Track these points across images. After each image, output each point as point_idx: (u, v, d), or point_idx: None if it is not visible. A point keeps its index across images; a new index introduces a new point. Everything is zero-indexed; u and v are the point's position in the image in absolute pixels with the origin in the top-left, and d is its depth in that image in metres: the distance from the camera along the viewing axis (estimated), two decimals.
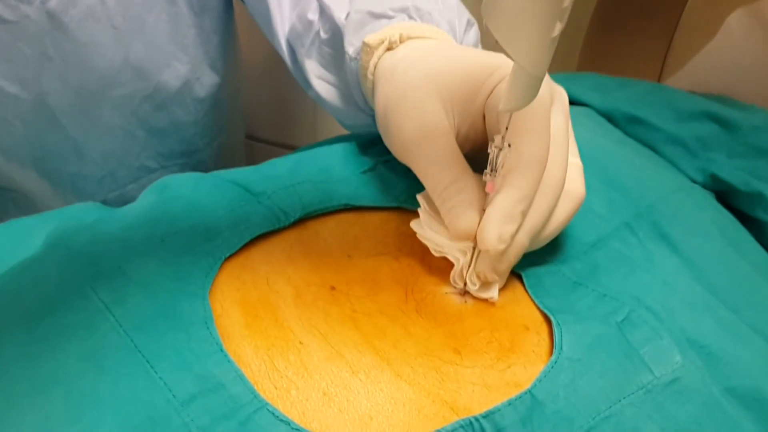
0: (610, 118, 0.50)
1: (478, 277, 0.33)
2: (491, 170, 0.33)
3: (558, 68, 0.71)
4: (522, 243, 0.33)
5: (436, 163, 0.34)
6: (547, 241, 0.35)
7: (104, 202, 0.55)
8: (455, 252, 0.33)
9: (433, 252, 0.34)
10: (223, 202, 0.36)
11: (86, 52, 0.49)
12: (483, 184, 0.33)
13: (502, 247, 0.32)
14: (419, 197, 0.35)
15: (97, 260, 0.33)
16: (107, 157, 0.54)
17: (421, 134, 0.34)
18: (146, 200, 0.39)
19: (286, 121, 0.81)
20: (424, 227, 0.35)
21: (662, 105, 0.50)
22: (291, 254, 0.34)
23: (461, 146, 0.35)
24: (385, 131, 0.37)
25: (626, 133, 0.49)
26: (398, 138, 0.36)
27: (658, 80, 0.68)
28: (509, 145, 0.32)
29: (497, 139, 0.32)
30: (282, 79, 0.76)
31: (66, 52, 0.48)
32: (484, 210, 0.32)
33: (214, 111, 0.58)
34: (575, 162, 0.36)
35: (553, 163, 0.33)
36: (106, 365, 0.29)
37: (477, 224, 0.32)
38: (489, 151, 0.32)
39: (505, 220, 0.32)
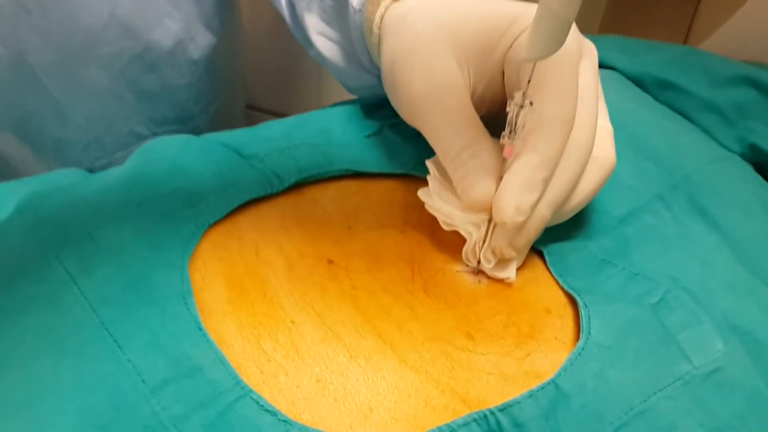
0: (639, 82, 0.46)
1: (494, 253, 0.29)
2: (510, 132, 0.29)
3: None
4: (543, 215, 0.29)
5: (448, 125, 0.30)
6: (572, 213, 0.31)
7: (90, 170, 0.51)
8: (468, 225, 0.30)
9: (443, 225, 0.30)
10: (210, 165, 0.32)
11: (69, 6, 0.45)
12: (500, 149, 0.29)
13: (520, 219, 0.28)
14: (429, 163, 0.32)
15: (65, 226, 0.30)
16: (93, 122, 0.50)
17: (432, 92, 0.30)
18: (128, 164, 0.35)
19: (288, 90, 0.77)
20: (433, 197, 0.31)
21: (696, 69, 0.46)
22: (284, 222, 0.30)
23: (477, 107, 0.31)
24: (391, 89, 0.33)
25: (657, 99, 0.45)
26: (406, 96, 0.32)
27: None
28: (531, 103, 0.28)
29: (517, 96, 0.28)
30: (284, 44, 0.72)
31: (46, 5, 0.44)
32: (501, 178, 0.29)
33: (210, 74, 0.54)
34: (605, 125, 0.32)
35: (581, 124, 0.29)
36: (68, 344, 0.26)
37: (493, 194, 0.28)
38: (508, 110, 0.28)
39: (525, 189, 0.28)
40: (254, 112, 0.78)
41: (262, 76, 0.77)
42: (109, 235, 0.29)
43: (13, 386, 0.25)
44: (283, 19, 0.46)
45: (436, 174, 0.31)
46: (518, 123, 0.28)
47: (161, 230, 0.29)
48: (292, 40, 0.47)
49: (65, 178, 0.35)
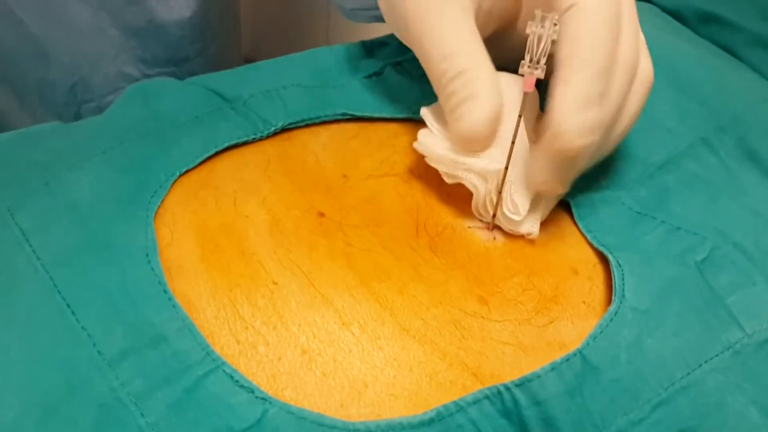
0: (678, 16, 0.41)
1: (540, 193, 0.25)
2: (531, 61, 0.24)
3: None
4: (594, 140, 0.25)
5: (442, 44, 0.25)
6: (619, 140, 0.27)
7: (78, 115, 0.48)
8: (472, 177, 0.25)
9: (444, 177, 0.26)
10: (187, 108, 0.29)
11: None
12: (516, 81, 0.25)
13: (586, 141, 0.24)
14: (424, 111, 0.27)
15: (21, 176, 0.26)
16: (77, 60, 0.47)
17: (427, 2, 0.26)
18: (105, 111, 0.31)
19: (291, 43, 0.72)
20: (430, 146, 0.26)
21: None
22: (268, 170, 0.27)
23: (482, 25, 0.27)
24: (384, 1, 0.29)
25: (699, 34, 0.40)
26: (399, 7, 0.27)
27: None
28: (555, 24, 0.24)
29: (539, 14, 0.24)
30: None
31: None
32: (499, 113, 0.24)
33: (203, 11, 0.50)
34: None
35: (624, 34, 0.25)
36: (17, 310, 0.23)
37: (487, 124, 0.24)
38: (528, 32, 0.24)
39: (584, 105, 0.23)
40: None
41: (261, 24, 0.72)
42: (67, 185, 0.25)
43: None
44: None
45: (434, 123, 0.27)
46: (541, 49, 0.24)
47: (126, 180, 0.25)
48: None
49: (39, 129, 0.32)
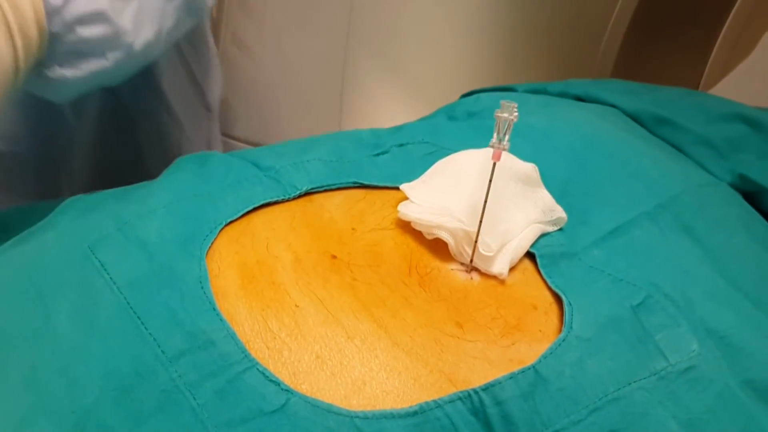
0: (637, 119, 0.49)
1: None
2: (498, 139, 0.31)
3: (591, 76, 0.69)
4: None
5: None
6: None
7: None
8: (442, 233, 0.32)
9: (426, 235, 0.33)
10: (229, 173, 0.36)
11: None
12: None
13: None
14: (404, 186, 0.35)
15: (100, 223, 0.33)
16: None
17: None
18: (163, 174, 0.39)
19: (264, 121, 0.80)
20: (409, 213, 0.33)
21: (692, 107, 0.49)
22: (293, 223, 0.34)
23: None
24: None
25: (653, 134, 0.48)
26: None
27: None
28: (515, 111, 0.31)
29: (504, 103, 0.31)
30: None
31: None
32: None
33: None
34: None
35: None
36: (97, 321, 0.29)
37: None
38: (496, 116, 0.31)
39: None
40: (230, 140, 0.82)
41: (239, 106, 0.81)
42: (137, 230, 0.32)
43: (47, 357, 0.28)
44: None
45: (412, 194, 0.34)
46: (505, 129, 0.31)
47: (183, 227, 0.32)
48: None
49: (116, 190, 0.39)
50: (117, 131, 0.57)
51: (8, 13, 0.31)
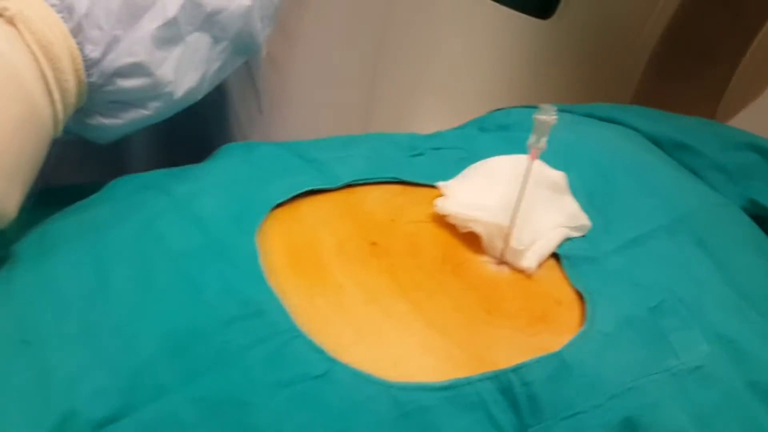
0: (656, 142, 0.51)
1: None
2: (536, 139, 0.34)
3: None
4: None
5: None
6: None
7: None
8: (477, 226, 0.34)
9: (459, 228, 0.35)
10: (276, 162, 0.39)
11: None
12: None
13: None
14: (440, 184, 0.37)
15: (154, 197, 0.35)
16: None
17: None
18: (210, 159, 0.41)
19: None
20: (445, 207, 0.36)
21: (709, 135, 0.51)
22: (336, 212, 0.36)
23: None
24: None
25: (671, 157, 0.50)
26: None
27: None
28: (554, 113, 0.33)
29: (544, 106, 0.33)
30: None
31: None
32: None
33: None
34: None
35: None
36: (154, 286, 0.31)
37: None
38: (535, 117, 0.33)
39: None
40: None
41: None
42: (193, 207, 0.34)
43: (103, 315, 0.30)
44: None
45: (447, 190, 0.37)
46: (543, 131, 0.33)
47: (235, 206, 0.35)
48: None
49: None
50: (183, 123, 0.58)
51: (45, 67, 0.32)
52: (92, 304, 0.31)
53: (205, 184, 0.36)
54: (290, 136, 0.44)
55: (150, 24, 0.35)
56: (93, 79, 0.35)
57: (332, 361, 0.28)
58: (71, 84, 0.33)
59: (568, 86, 0.74)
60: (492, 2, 0.75)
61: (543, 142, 0.33)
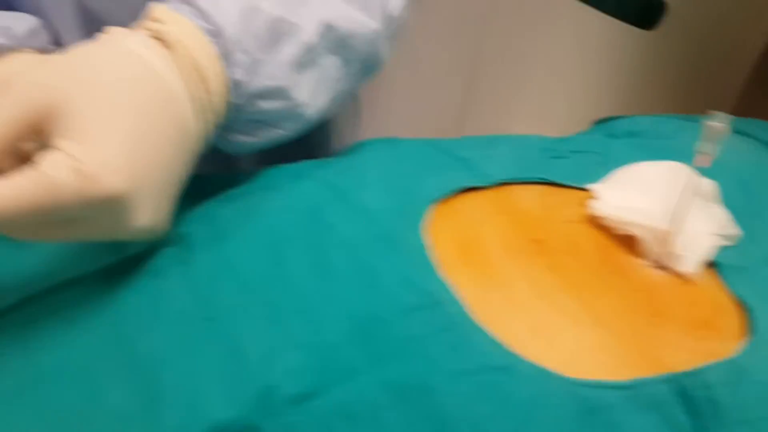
0: None
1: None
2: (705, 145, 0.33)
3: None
4: None
5: None
6: None
7: None
8: (636, 229, 0.35)
9: (618, 231, 0.36)
10: (426, 158, 0.39)
11: None
12: None
13: None
14: (592, 186, 0.38)
15: (315, 188, 0.37)
16: None
17: None
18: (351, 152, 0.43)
19: None
20: (602, 208, 0.36)
21: None
22: (492, 209, 0.37)
23: None
24: None
25: None
26: None
27: None
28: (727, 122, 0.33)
29: (715, 113, 0.33)
30: None
31: None
32: None
33: None
34: None
35: None
36: (332, 272, 0.32)
37: None
38: (704, 123, 0.33)
39: None
40: None
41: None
42: (356, 199, 0.35)
43: (286, 298, 0.31)
44: None
45: (602, 192, 0.37)
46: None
47: (397, 200, 0.35)
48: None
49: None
50: None
51: (197, 89, 0.33)
52: (274, 287, 0.32)
53: (365, 177, 0.37)
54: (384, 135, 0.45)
55: (290, 48, 0.36)
56: (236, 99, 0.36)
57: (512, 355, 0.29)
58: (218, 105, 0.35)
59: (666, 96, 0.74)
60: (596, 11, 0.76)
61: (713, 148, 0.34)
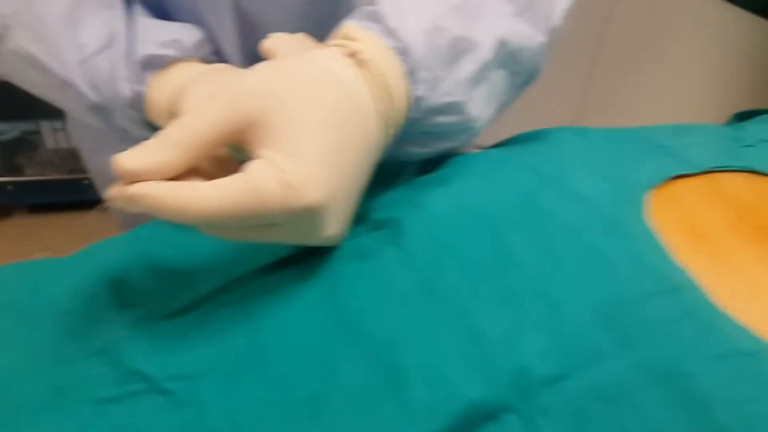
0: None
1: None
2: None
3: None
4: None
5: None
6: None
7: None
8: None
9: None
10: (627, 145, 0.39)
11: None
12: None
13: None
14: None
15: (521, 175, 0.37)
16: None
17: None
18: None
19: None
20: None
21: None
22: (708, 195, 0.36)
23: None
24: None
25: None
26: None
27: None
28: None
29: None
30: None
31: None
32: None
33: None
34: None
35: None
36: (562, 256, 0.32)
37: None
38: None
39: None
40: None
41: None
42: (567, 185, 0.36)
43: (520, 282, 0.31)
44: None
45: None
46: None
47: (612, 186, 0.35)
48: None
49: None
50: None
51: (385, 106, 0.34)
52: (503, 271, 0.32)
53: (569, 164, 0.37)
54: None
55: (468, 66, 0.37)
56: (415, 114, 0.37)
57: (759, 340, 0.28)
58: (400, 120, 0.36)
59: None
60: (722, 3, 0.74)
61: None
